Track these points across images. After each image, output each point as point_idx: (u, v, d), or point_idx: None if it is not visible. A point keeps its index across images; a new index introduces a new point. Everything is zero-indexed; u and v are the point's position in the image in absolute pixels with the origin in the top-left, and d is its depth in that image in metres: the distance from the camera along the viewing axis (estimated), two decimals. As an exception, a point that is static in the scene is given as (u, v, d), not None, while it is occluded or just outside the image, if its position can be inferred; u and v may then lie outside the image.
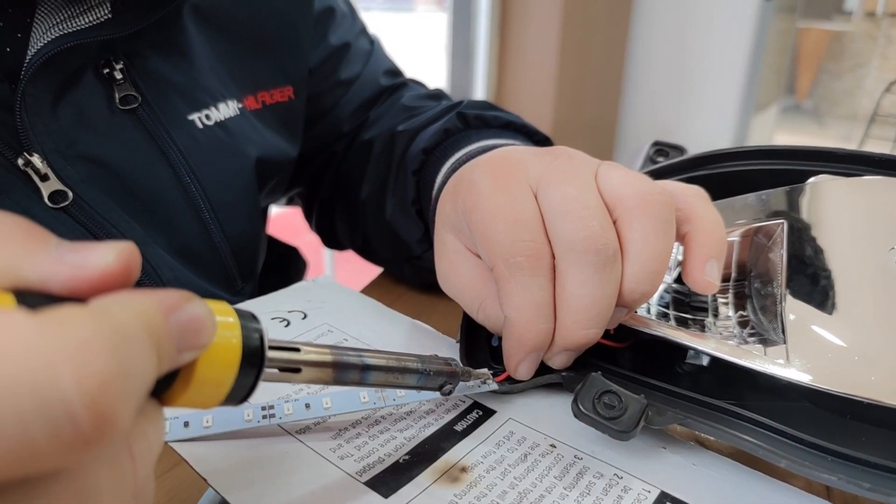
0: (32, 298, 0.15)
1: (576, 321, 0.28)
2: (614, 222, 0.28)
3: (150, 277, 0.40)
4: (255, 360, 0.19)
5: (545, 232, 0.28)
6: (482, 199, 0.30)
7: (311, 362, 0.23)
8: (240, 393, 0.19)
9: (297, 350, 0.22)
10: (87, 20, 0.37)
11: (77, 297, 0.15)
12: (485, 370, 0.30)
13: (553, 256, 0.28)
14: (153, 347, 0.15)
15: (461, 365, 0.29)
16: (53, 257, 0.15)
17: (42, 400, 0.12)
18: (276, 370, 0.22)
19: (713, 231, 0.29)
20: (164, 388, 0.17)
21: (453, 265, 0.33)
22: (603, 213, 0.28)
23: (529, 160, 0.31)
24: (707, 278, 0.29)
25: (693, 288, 0.29)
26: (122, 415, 0.13)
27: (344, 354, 0.24)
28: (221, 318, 0.18)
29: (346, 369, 0.24)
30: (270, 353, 0.21)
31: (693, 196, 0.30)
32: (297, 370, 0.22)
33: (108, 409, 0.13)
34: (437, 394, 0.28)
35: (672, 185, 0.31)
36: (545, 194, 0.29)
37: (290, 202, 0.65)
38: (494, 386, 0.30)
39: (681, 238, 0.30)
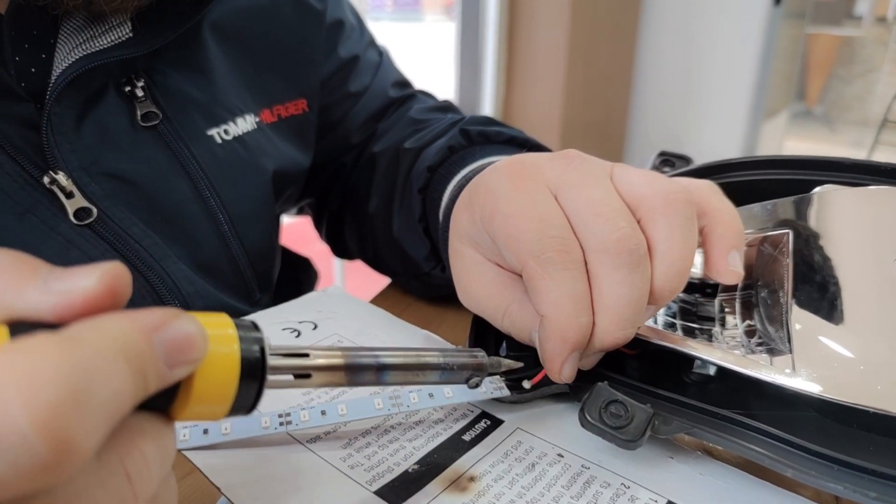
0: (24, 328, 0.15)
1: (613, 321, 0.28)
2: (637, 222, 0.28)
3: (171, 292, 0.41)
4: (255, 371, 0.19)
5: (572, 230, 0.28)
6: (502, 203, 0.29)
7: (321, 367, 0.23)
8: (246, 402, 0.19)
9: (306, 356, 0.22)
10: (108, 39, 0.38)
11: (66, 323, 0.16)
12: (509, 361, 0.30)
13: (587, 240, 0.28)
14: (130, 368, 0.15)
15: (487, 356, 0.28)
16: (41, 288, 0.16)
17: None
18: (284, 377, 0.22)
19: (731, 222, 0.30)
20: (168, 402, 0.18)
21: (473, 276, 0.33)
22: (629, 213, 0.28)
23: (544, 164, 0.31)
24: (731, 268, 0.29)
25: (717, 279, 0.29)
26: (82, 440, 0.14)
27: (357, 356, 0.24)
28: (218, 330, 0.19)
29: (360, 371, 0.24)
30: (275, 361, 0.21)
31: (707, 190, 0.30)
32: (307, 375, 0.22)
33: (63, 434, 0.13)
34: (450, 400, 0.29)
35: (685, 181, 0.31)
36: (568, 198, 0.29)
37: (300, 212, 0.65)
38: (506, 392, 0.31)
39: (698, 232, 0.30)
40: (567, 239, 0.28)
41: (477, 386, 0.28)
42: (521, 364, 0.30)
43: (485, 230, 0.31)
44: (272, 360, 0.21)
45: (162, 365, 0.16)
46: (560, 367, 0.28)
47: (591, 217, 0.28)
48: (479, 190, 0.32)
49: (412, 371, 0.25)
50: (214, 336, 0.18)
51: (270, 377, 0.20)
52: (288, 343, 0.35)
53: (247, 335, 0.19)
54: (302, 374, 0.22)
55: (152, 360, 0.16)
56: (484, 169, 0.34)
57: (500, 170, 0.32)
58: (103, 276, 0.16)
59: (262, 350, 0.19)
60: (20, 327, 0.15)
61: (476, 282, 0.33)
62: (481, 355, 0.28)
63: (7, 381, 0.13)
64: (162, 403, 0.17)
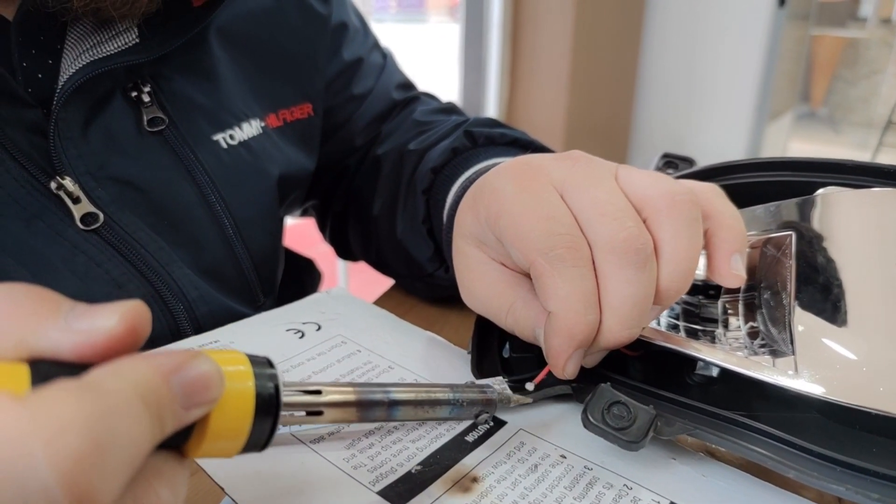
0: (45, 368, 0.15)
1: (619, 321, 0.28)
2: (643, 222, 0.28)
3: (176, 297, 0.41)
4: (270, 408, 0.19)
5: (580, 228, 0.28)
6: (508, 203, 0.29)
7: (333, 403, 0.23)
8: (259, 439, 0.19)
9: (319, 392, 0.23)
10: (115, 45, 0.38)
11: (87, 363, 0.16)
12: (518, 396, 0.30)
13: (593, 240, 0.28)
14: (148, 413, 0.15)
15: (497, 391, 0.28)
16: (61, 326, 0.16)
17: (21, 487, 0.13)
18: (297, 414, 0.22)
19: (734, 226, 0.30)
20: (183, 441, 0.18)
21: (477, 276, 0.33)
22: (635, 213, 0.28)
23: (550, 164, 0.31)
24: (734, 271, 0.29)
25: (720, 282, 0.30)
26: (103, 489, 0.14)
27: (368, 391, 0.24)
28: (233, 367, 0.19)
29: (371, 407, 0.24)
30: (289, 398, 0.21)
31: (710, 193, 0.30)
32: (319, 413, 0.22)
33: (85, 486, 0.13)
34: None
35: (689, 184, 0.31)
36: (574, 197, 0.29)
37: (304, 213, 0.66)
38: (509, 394, 0.31)
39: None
40: (575, 236, 0.28)
41: (486, 422, 0.28)
42: (529, 400, 0.30)
43: (490, 230, 0.31)
44: (286, 398, 0.21)
45: (179, 407, 0.16)
46: (564, 363, 0.28)
47: (598, 216, 0.28)
48: (485, 190, 0.32)
49: (423, 407, 0.26)
50: (229, 373, 0.18)
51: (283, 414, 0.20)
52: (292, 345, 0.35)
53: (261, 372, 0.19)
54: (312, 412, 0.22)
55: (170, 403, 0.16)
56: (488, 171, 0.34)
57: (505, 170, 0.32)
58: (124, 315, 0.16)
59: (277, 387, 0.20)
60: (41, 367, 0.15)
61: (480, 281, 0.33)
62: (490, 391, 0.28)
63: (31, 431, 0.13)
64: (177, 442, 0.18)
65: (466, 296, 0.34)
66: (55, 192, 0.37)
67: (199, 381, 0.17)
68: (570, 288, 0.27)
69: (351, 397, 0.24)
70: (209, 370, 0.17)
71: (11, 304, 0.16)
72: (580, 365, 0.29)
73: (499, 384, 0.31)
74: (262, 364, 0.20)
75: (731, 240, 0.29)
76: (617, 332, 0.28)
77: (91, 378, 0.15)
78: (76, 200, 0.37)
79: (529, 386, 0.31)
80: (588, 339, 0.28)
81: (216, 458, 0.19)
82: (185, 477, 0.18)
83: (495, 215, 0.30)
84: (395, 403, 0.25)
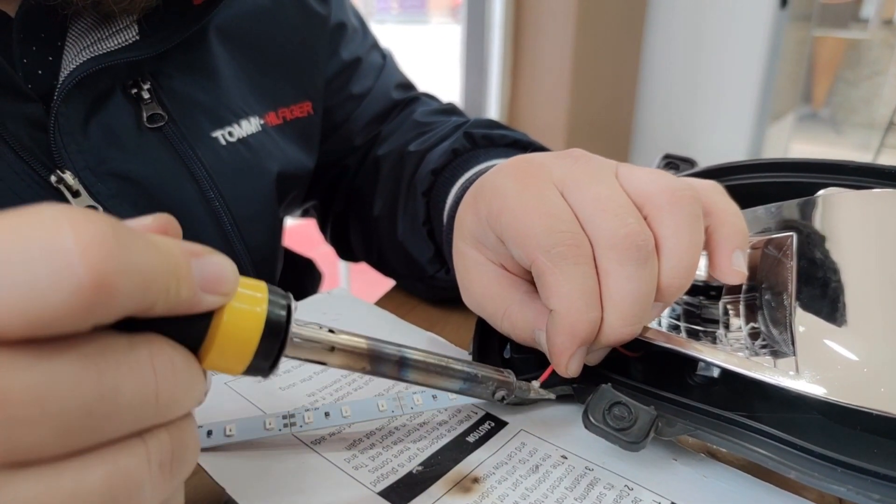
0: None
1: (621, 317, 0.28)
2: (644, 219, 0.28)
3: None
4: (278, 330, 0.20)
5: (581, 226, 0.28)
6: (509, 200, 0.29)
7: (344, 345, 0.23)
8: (265, 361, 0.20)
9: (332, 332, 0.23)
10: (115, 42, 0.38)
11: None
12: (540, 389, 0.30)
13: (594, 236, 0.28)
14: (165, 263, 0.17)
15: (516, 378, 0.28)
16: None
17: (43, 246, 0.14)
18: (307, 344, 0.22)
19: (735, 222, 0.30)
20: (198, 342, 0.19)
21: (475, 276, 0.33)
22: (635, 210, 0.28)
23: (551, 162, 0.31)
24: (735, 268, 0.29)
25: (721, 279, 0.29)
26: (118, 282, 0.15)
27: (381, 344, 0.24)
28: (250, 289, 0.20)
29: (381, 361, 0.24)
30: (300, 329, 0.22)
31: (711, 190, 0.30)
32: (331, 349, 0.23)
33: (104, 272, 0.14)
34: (453, 402, 0.29)
35: (690, 181, 0.31)
36: (575, 195, 0.29)
37: (305, 214, 0.66)
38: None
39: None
40: (577, 234, 0.28)
41: (503, 400, 0.28)
42: (553, 396, 0.30)
43: (491, 229, 0.31)
44: (297, 328, 0.22)
45: (195, 283, 0.18)
46: (567, 361, 0.28)
47: (599, 213, 0.28)
48: (485, 189, 0.32)
49: (434, 373, 0.25)
50: (246, 293, 0.20)
51: (294, 339, 0.21)
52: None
53: (276, 299, 0.20)
54: (324, 346, 0.23)
55: (187, 272, 0.17)
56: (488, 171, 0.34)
57: (505, 169, 0.32)
58: (157, 216, 0.19)
59: (289, 312, 0.20)
60: None
61: (477, 282, 0.33)
62: (509, 374, 0.28)
63: (64, 213, 0.15)
64: (192, 342, 0.19)
65: (465, 296, 0.34)
66: (55, 185, 0.37)
67: (217, 270, 0.18)
68: (571, 285, 0.27)
69: (362, 345, 0.24)
70: (226, 265, 0.19)
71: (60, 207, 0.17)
72: (583, 363, 0.29)
73: (500, 385, 0.31)
74: (279, 293, 0.21)
75: (732, 236, 0.29)
76: (619, 328, 0.28)
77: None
78: (76, 194, 0.37)
79: (536, 384, 0.31)
80: (590, 336, 0.28)
81: (223, 373, 0.20)
82: (201, 375, 0.19)
83: (496, 213, 0.30)
84: (406, 363, 0.25)
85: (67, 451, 0.15)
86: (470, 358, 0.34)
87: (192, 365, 0.18)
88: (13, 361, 0.14)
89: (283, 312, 0.20)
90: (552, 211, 0.28)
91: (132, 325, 0.17)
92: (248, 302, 0.19)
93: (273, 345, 0.20)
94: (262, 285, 0.20)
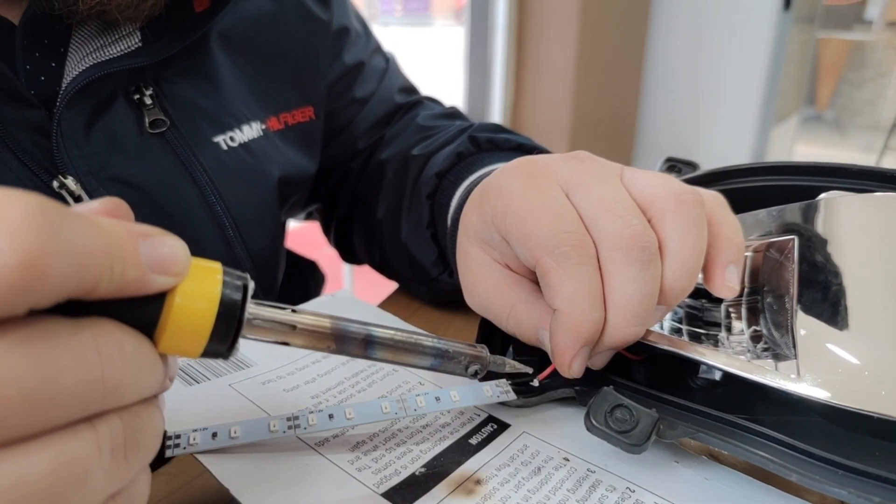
0: None
1: (624, 318, 0.28)
2: (648, 221, 0.28)
3: None
4: (234, 307, 0.20)
5: (585, 227, 0.29)
6: (515, 201, 0.30)
7: (306, 324, 0.23)
8: (223, 341, 0.20)
9: (293, 311, 0.23)
10: (118, 49, 0.39)
11: None
12: (514, 362, 0.30)
13: (599, 238, 0.28)
14: (104, 241, 0.16)
15: (489, 352, 0.28)
16: None
17: None
18: (266, 325, 0.22)
19: (732, 237, 0.30)
20: (152, 325, 0.18)
21: (479, 276, 0.33)
22: (640, 212, 0.28)
23: (556, 164, 0.31)
24: (727, 283, 0.29)
25: (713, 292, 0.30)
26: (51, 262, 0.14)
27: (345, 323, 0.24)
28: (204, 271, 0.19)
29: (346, 339, 0.24)
30: (258, 309, 0.21)
31: (713, 201, 0.31)
32: (293, 327, 0.22)
33: (32, 245, 0.14)
34: (456, 404, 0.29)
35: (694, 188, 0.31)
36: (580, 196, 0.29)
37: (308, 217, 0.66)
38: (512, 396, 0.31)
39: None
40: (581, 234, 0.28)
41: (476, 375, 0.27)
42: (529, 370, 0.30)
43: (496, 229, 0.31)
44: (255, 308, 0.21)
45: (143, 264, 0.17)
46: (570, 361, 0.29)
47: (603, 214, 0.28)
48: (490, 189, 0.32)
49: (403, 350, 0.25)
50: (200, 274, 0.19)
51: (252, 320, 0.21)
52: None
53: (231, 280, 0.20)
54: (285, 324, 0.22)
55: (133, 252, 0.17)
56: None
57: (511, 169, 0.32)
58: (105, 200, 0.19)
59: (245, 293, 0.20)
60: None
61: (482, 282, 0.33)
62: (482, 348, 0.27)
63: None
64: (145, 325, 0.18)
65: (469, 297, 0.34)
66: (57, 191, 0.37)
67: (166, 251, 0.18)
68: (575, 285, 0.28)
69: (326, 323, 0.23)
70: (176, 245, 0.19)
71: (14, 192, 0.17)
72: (586, 364, 0.29)
73: (502, 386, 0.31)
74: (234, 274, 0.20)
75: (727, 250, 0.29)
76: (622, 329, 0.28)
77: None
78: (78, 200, 0.38)
79: (535, 382, 0.31)
80: (593, 336, 0.28)
81: (182, 357, 0.20)
82: (153, 361, 0.19)
83: (501, 213, 0.30)
84: (372, 340, 0.24)
85: (9, 439, 0.15)
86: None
87: (144, 348, 0.18)
88: None
89: (239, 293, 0.20)
90: (557, 211, 0.29)
91: (80, 310, 0.17)
92: (201, 282, 0.19)
93: (229, 326, 0.20)
94: (216, 266, 0.20)
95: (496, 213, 0.30)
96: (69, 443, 0.16)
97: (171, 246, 0.18)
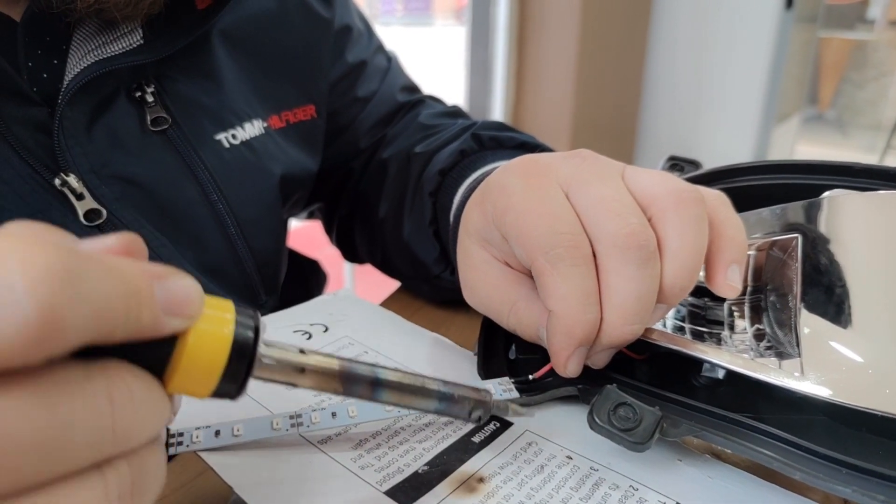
0: None
1: (621, 316, 0.28)
2: (648, 220, 0.28)
3: None
4: (246, 348, 0.19)
5: (582, 227, 0.29)
6: (514, 199, 0.30)
7: (315, 366, 0.22)
8: (233, 384, 0.19)
9: (302, 352, 0.22)
10: (120, 46, 0.39)
11: None
12: (517, 407, 0.29)
13: (593, 251, 0.28)
14: (124, 288, 0.16)
15: (492, 395, 0.28)
16: (69, 241, 0.17)
17: None
18: (275, 366, 0.22)
19: (735, 236, 0.30)
20: (163, 365, 0.18)
21: (479, 274, 0.33)
22: (639, 211, 0.28)
23: (557, 162, 0.31)
24: (729, 282, 0.29)
25: (715, 291, 0.30)
26: (69, 320, 0.14)
27: (354, 364, 0.24)
28: (217, 310, 0.19)
29: (354, 381, 0.23)
30: (268, 350, 0.21)
31: (715, 200, 0.31)
32: (301, 370, 0.22)
33: (54, 307, 0.14)
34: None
35: (696, 187, 0.31)
36: (580, 194, 0.29)
37: (310, 216, 0.66)
38: (515, 394, 0.31)
39: None
40: (577, 236, 0.28)
41: (479, 420, 0.27)
42: (532, 415, 0.30)
43: (496, 227, 0.31)
44: (265, 349, 0.21)
45: (157, 307, 0.17)
46: (566, 361, 0.29)
47: (602, 213, 0.28)
48: (492, 187, 0.32)
49: (409, 393, 0.25)
50: (212, 314, 0.19)
51: (263, 360, 0.21)
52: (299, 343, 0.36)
53: (244, 320, 0.20)
54: (294, 367, 0.22)
55: (148, 296, 0.17)
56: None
57: (512, 168, 0.32)
58: (121, 236, 0.18)
59: (256, 335, 0.20)
60: None
61: (482, 280, 0.33)
62: (486, 393, 0.27)
63: (11, 247, 0.14)
64: (156, 366, 0.18)
65: (469, 294, 0.34)
66: (59, 188, 0.37)
67: (180, 293, 0.18)
68: (568, 287, 0.28)
69: (334, 365, 0.23)
70: (190, 286, 0.18)
71: (25, 225, 0.17)
72: (583, 363, 0.29)
73: (504, 384, 0.31)
74: (246, 314, 0.20)
75: (730, 250, 0.29)
76: (619, 328, 0.28)
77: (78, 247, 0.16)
78: (80, 197, 0.38)
79: (513, 392, 0.31)
80: (588, 337, 0.28)
81: (190, 397, 0.19)
82: (164, 400, 0.18)
83: (501, 211, 0.30)
84: (379, 383, 0.24)
85: (19, 488, 0.15)
86: (475, 359, 0.34)
87: (154, 391, 0.18)
88: None
89: (251, 333, 0.19)
90: (554, 211, 0.29)
91: (91, 350, 0.16)
92: (214, 323, 0.19)
93: (240, 367, 0.19)
94: (228, 305, 0.20)
95: (496, 211, 0.31)
96: (79, 492, 0.16)
97: (185, 288, 0.18)
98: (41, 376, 0.15)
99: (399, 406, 0.26)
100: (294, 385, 0.22)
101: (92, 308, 0.15)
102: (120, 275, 0.16)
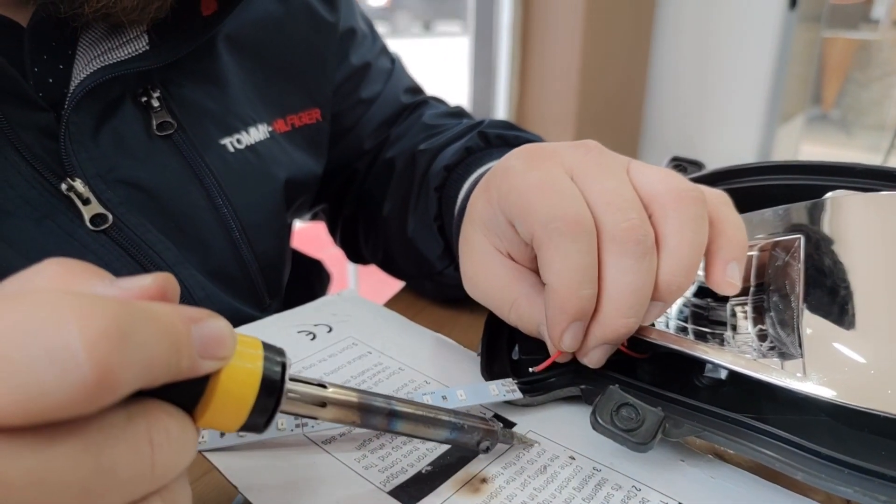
0: None
1: (616, 309, 0.28)
2: (649, 217, 0.29)
3: (183, 298, 0.41)
4: (273, 389, 0.20)
5: (586, 204, 0.29)
6: (518, 179, 0.30)
7: (335, 400, 0.24)
8: (260, 418, 0.20)
9: (324, 387, 0.23)
10: (126, 52, 0.39)
11: None
12: (522, 435, 0.29)
13: (596, 228, 0.28)
14: (168, 338, 0.17)
15: (500, 425, 0.28)
16: (107, 283, 0.18)
17: (48, 343, 0.14)
18: (299, 400, 0.23)
19: (735, 235, 0.30)
20: (193, 403, 0.19)
21: (481, 265, 0.33)
22: (640, 206, 0.29)
23: (563, 150, 0.31)
24: (728, 279, 0.29)
25: (714, 289, 0.30)
26: (122, 376, 0.15)
27: (371, 397, 0.25)
28: (247, 347, 0.20)
29: (372, 413, 0.25)
30: (294, 385, 0.22)
31: (717, 199, 0.31)
32: (322, 405, 0.23)
33: (108, 364, 0.15)
34: (462, 403, 0.29)
35: (699, 186, 0.31)
36: (583, 184, 0.29)
37: (314, 217, 0.66)
38: (518, 395, 0.31)
39: None
40: (578, 212, 0.28)
41: (487, 450, 0.28)
42: (537, 442, 0.30)
43: (501, 211, 0.31)
44: (291, 385, 0.22)
45: (195, 352, 0.18)
46: (560, 335, 0.29)
47: (603, 205, 0.28)
48: (497, 173, 0.32)
49: (423, 423, 0.26)
50: (243, 350, 0.20)
51: (288, 396, 0.21)
52: (304, 347, 0.36)
53: (272, 356, 0.21)
54: (316, 402, 0.23)
55: (187, 343, 0.18)
56: None
57: (517, 153, 0.32)
58: (157, 277, 0.19)
59: (283, 372, 0.21)
60: None
61: (483, 272, 0.33)
62: (493, 423, 0.28)
63: (69, 304, 0.15)
64: (188, 402, 0.19)
65: (469, 286, 0.34)
66: (65, 193, 0.37)
67: (215, 335, 0.18)
68: (566, 261, 0.28)
69: (353, 398, 0.24)
70: (224, 328, 0.19)
71: (63, 266, 0.18)
72: (579, 340, 0.29)
73: (508, 385, 0.31)
74: (273, 350, 0.21)
75: (730, 248, 0.30)
76: (613, 320, 0.28)
77: (125, 300, 0.17)
78: (86, 202, 0.38)
79: (531, 370, 0.31)
80: (582, 313, 0.28)
81: (218, 431, 0.20)
82: (194, 437, 0.19)
83: (506, 192, 0.30)
84: (395, 414, 0.25)
85: None
86: (479, 359, 0.34)
87: (188, 430, 0.19)
88: (13, 448, 0.14)
89: (279, 369, 0.20)
90: (557, 188, 0.29)
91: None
92: (244, 360, 0.20)
93: (269, 402, 0.20)
94: (257, 342, 0.21)
95: (500, 194, 0.31)
96: None
97: (219, 330, 0.19)
98: (90, 424, 0.16)
99: (412, 436, 0.26)
100: (315, 418, 0.24)
101: (142, 363, 0.16)
102: (164, 326, 0.17)
